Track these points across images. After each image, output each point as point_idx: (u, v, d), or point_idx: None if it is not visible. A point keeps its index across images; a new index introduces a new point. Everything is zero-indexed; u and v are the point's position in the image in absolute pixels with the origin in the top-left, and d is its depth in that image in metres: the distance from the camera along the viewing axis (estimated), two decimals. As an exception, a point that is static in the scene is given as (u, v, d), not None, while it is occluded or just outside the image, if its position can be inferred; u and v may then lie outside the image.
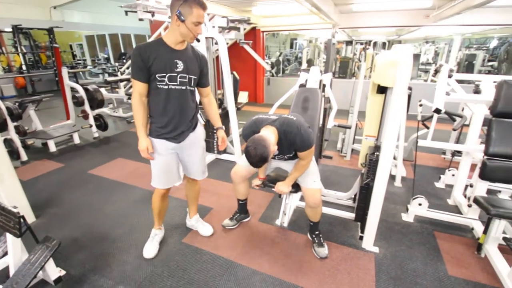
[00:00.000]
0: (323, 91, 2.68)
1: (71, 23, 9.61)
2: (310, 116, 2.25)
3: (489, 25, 5.34)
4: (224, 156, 3.67)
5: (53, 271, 1.69)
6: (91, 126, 4.45)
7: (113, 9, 9.01)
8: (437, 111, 1.83)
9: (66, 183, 3.06)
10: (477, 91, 2.36)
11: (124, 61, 9.42)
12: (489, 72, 8.21)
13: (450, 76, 2.18)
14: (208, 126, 3.26)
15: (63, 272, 1.79)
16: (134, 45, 12.21)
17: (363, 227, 2.03)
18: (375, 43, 8.05)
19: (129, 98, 5.88)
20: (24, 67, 8.63)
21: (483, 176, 1.87)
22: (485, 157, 1.86)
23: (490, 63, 8.62)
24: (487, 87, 2.27)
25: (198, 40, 1.64)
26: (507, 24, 4.78)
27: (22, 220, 1.49)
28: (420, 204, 2.32)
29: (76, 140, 4.29)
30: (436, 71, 2.21)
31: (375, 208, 1.88)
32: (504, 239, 1.87)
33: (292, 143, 1.68)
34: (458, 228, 2.27)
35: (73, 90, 4.49)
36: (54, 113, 6.15)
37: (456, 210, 2.53)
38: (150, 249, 1.96)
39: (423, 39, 10.85)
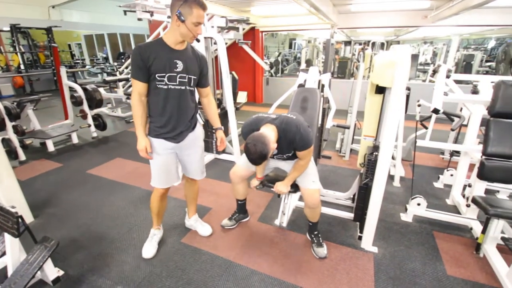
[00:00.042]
0: (322, 91, 2.69)
1: (69, 23, 9.59)
2: (309, 116, 2.25)
3: (487, 26, 5.35)
4: (223, 156, 3.66)
5: (51, 271, 1.69)
6: (89, 125, 4.44)
7: (112, 9, 9.00)
8: (436, 111, 1.83)
9: (65, 183, 3.05)
10: (475, 91, 2.37)
11: (123, 60, 9.42)
12: (487, 73, 8.25)
13: (448, 77, 2.19)
14: (207, 126, 3.26)
15: (61, 272, 1.79)
16: (133, 45, 12.23)
17: (362, 227, 2.03)
18: (373, 44, 8.08)
19: (128, 98, 5.86)
20: (22, 67, 8.59)
21: (482, 176, 1.88)
22: (483, 157, 1.86)
23: (488, 64, 8.66)
24: (485, 88, 2.28)
25: (198, 40, 1.64)
26: (505, 24, 4.81)
27: (20, 220, 1.48)
28: (418, 204, 2.32)
29: (75, 140, 4.28)
30: (434, 72, 2.22)
31: (374, 208, 1.88)
32: (503, 239, 1.87)
33: (291, 142, 1.68)
34: (457, 228, 2.28)
35: (71, 89, 4.48)
36: (53, 113, 6.12)
37: (455, 210, 2.54)
38: (149, 249, 1.96)
39: (422, 39, 10.89)
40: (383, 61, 1.72)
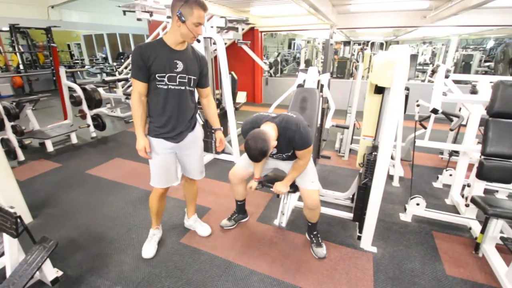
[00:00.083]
0: (321, 91, 2.69)
1: (69, 23, 9.59)
2: (308, 116, 2.25)
3: (485, 26, 5.37)
4: (222, 156, 3.66)
5: (50, 272, 1.68)
6: (88, 126, 4.43)
7: (111, 9, 8.99)
8: (435, 111, 1.84)
9: (64, 183, 3.05)
10: (474, 91, 2.37)
11: (122, 60, 9.40)
12: (485, 73, 8.28)
13: (447, 77, 2.19)
14: (206, 126, 3.26)
15: (60, 273, 1.78)
16: (132, 45, 12.23)
17: (361, 227, 2.03)
18: (372, 44, 8.09)
19: (127, 98, 5.87)
20: (21, 67, 8.58)
21: (480, 176, 1.88)
22: (482, 157, 1.87)
23: (487, 64, 8.69)
24: (483, 88, 2.28)
25: (198, 41, 1.65)
26: (504, 25, 4.82)
27: (19, 220, 1.47)
28: (418, 204, 2.32)
29: (74, 140, 4.27)
30: (433, 72, 2.22)
31: (373, 208, 1.88)
32: (502, 238, 1.87)
33: (291, 141, 1.69)
34: (456, 228, 2.28)
35: (70, 89, 4.47)
36: (52, 113, 6.12)
37: (454, 209, 2.54)
38: (149, 249, 1.96)
39: (421, 39, 10.91)
40: (382, 61, 1.72)
